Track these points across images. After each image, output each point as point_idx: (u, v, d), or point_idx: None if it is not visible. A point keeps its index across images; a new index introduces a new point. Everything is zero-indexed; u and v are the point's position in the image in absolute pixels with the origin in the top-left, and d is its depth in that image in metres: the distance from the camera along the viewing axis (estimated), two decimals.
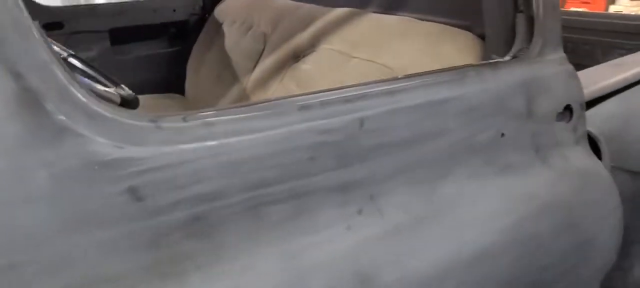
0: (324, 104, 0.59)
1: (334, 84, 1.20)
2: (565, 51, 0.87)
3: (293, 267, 0.55)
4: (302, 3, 1.59)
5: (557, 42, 0.85)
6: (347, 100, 0.60)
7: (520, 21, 0.84)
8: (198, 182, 0.50)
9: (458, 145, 0.71)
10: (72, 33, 1.82)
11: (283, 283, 0.55)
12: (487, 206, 0.73)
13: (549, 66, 0.83)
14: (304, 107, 0.57)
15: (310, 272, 0.56)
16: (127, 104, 0.90)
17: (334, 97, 0.60)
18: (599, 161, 0.91)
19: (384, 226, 0.62)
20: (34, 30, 0.42)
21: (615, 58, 1.26)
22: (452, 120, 0.70)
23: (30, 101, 0.41)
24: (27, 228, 0.41)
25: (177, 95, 1.97)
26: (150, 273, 0.48)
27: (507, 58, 0.83)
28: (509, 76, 0.78)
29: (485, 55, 0.94)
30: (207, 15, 2.02)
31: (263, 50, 1.60)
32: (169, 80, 2.03)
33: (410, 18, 1.25)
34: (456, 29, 1.12)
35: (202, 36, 1.95)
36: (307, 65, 1.37)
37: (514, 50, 0.84)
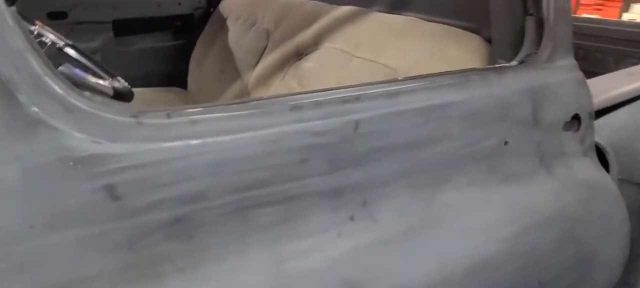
0: (317, 104, 0.56)
1: (336, 83, 1.18)
2: (576, 58, 0.83)
3: (279, 272, 0.53)
4: (306, 0, 1.56)
5: (568, 48, 0.82)
6: (342, 101, 0.58)
7: (530, 25, 0.81)
8: (181, 182, 0.47)
9: (459, 151, 0.68)
10: (76, 23, 1.81)
11: None
12: (487, 216, 0.70)
13: (558, 73, 0.80)
14: (297, 107, 0.55)
15: (297, 279, 0.54)
16: (121, 96, 0.89)
17: (327, 97, 0.57)
18: (606, 173, 0.88)
19: (376, 234, 0.60)
20: (7, 16, 0.39)
21: (628, 67, 1.22)
22: (454, 125, 0.67)
23: (2, 91, 0.39)
24: None
25: (179, 89, 1.95)
26: (128, 275, 0.46)
27: (514, 63, 0.79)
28: (515, 81, 0.75)
29: (492, 59, 0.90)
30: (212, 9, 2.01)
31: (266, 46, 1.58)
32: (172, 74, 2.02)
33: (415, 18, 1.22)
34: (462, 30, 1.09)
35: (206, 30, 1.94)
36: (309, 63, 1.35)
37: (521, 54, 0.81)
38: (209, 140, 0.49)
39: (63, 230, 0.42)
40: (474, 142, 0.69)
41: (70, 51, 0.93)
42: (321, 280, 0.55)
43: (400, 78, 0.68)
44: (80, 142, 0.42)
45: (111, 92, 0.83)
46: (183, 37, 2.05)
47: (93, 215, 0.43)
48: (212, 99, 1.70)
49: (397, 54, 1.12)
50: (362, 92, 0.59)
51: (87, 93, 0.78)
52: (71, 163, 0.41)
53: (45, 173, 0.41)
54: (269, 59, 1.53)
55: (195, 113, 0.49)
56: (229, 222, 0.51)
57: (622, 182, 0.91)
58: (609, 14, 3.96)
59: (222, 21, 1.87)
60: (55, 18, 1.73)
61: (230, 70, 1.70)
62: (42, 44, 0.89)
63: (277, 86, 1.43)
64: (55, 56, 0.85)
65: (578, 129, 0.82)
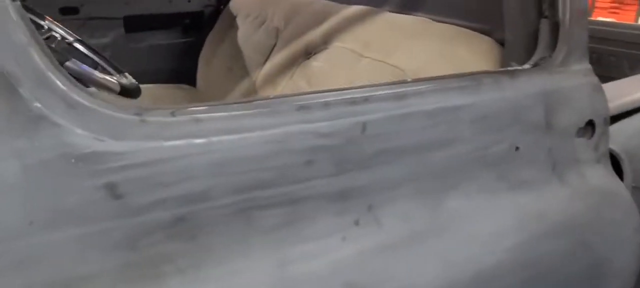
0: (324, 105, 0.55)
1: (344, 83, 1.16)
2: (591, 62, 0.81)
3: (282, 275, 0.52)
4: None
5: (583, 52, 0.79)
6: (349, 102, 0.56)
7: (544, 27, 0.79)
8: (184, 181, 0.47)
9: (468, 156, 0.66)
10: (87, 18, 1.82)
11: None
12: (495, 223, 0.68)
13: (572, 77, 0.78)
14: (303, 108, 0.54)
15: (300, 282, 0.53)
16: (128, 92, 0.89)
17: (335, 98, 0.56)
18: (620, 181, 0.85)
19: (381, 239, 0.58)
20: (11, 10, 0.39)
21: None
22: (464, 129, 0.65)
23: (3, 86, 0.38)
24: None
25: (188, 86, 1.96)
26: (128, 274, 0.45)
27: (527, 66, 0.77)
28: (528, 85, 0.73)
29: (504, 61, 0.88)
30: (222, 7, 2.01)
31: (275, 45, 1.58)
32: (181, 71, 2.02)
33: (426, 18, 1.20)
34: (474, 32, 1.07)
35: (215, 28, 1.94)
36: (318, 62, 1.34)
37: (535, 58, 0.79)
38: (214, 139, 0.48)
39: (63, 228, 0.41)
40: (484, 147, 0.67)
41: (79, 46, 0.93)
42: (325, 284, 0.54)
43: (409, 79, 0.66)
44: (82, 138, 0.42)
45: (118, 88, 0.83)
46: (193, 34, 2.05)
47: (94, 213, 0.43)
48: (220, 96, 1.70)
49: (406, 54, 1.11)
50: (370, 94, 0.58)
51: (93, 89, 0.78)
52: (73, 160, 0.41)
53: (47, 170, 0.40)
54: (277, 58, 1.52)
55: (199, 111, 0.49)
56: (232, 223, 0.50)
57: (636, 189, 0.88)
58: (624, 18, 3.88)
59: (232, 19, 1.86)
60: (67, 13, 1.75)
61: (238, 68, 1.70)
62: (52, 39, 0.89)
63: (285, 85, 1.42)
64: (64, 51, 0.86)
65: (592, 135, 0.80)
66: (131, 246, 0.45)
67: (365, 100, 0.58)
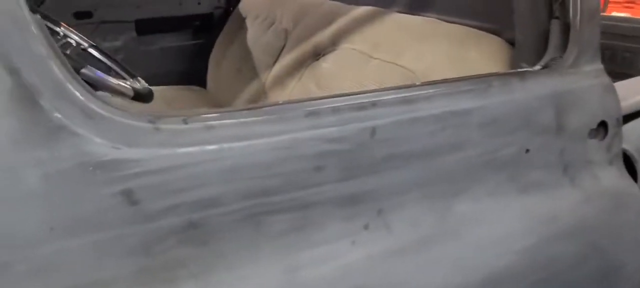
0: (332, 110, 0.55)
1: (353, 85, 1.17)
2: (603, 59, 0.80)
3: (293, 281, 0.53)
4: (325, 0, 1.56)
5: (594, 52, 0.78)
6: (358, 107, 0.57)
7: (555, 28, 0.78)
8: (196, 187, 0.48)
9: (478, 159, 0.66)
10: (100, 22, 1.85)
11: None
12: (505, 226, 0.68)
13: (584, 78, 0.77)
14: (312, 113, 0.54)
15: (310, 287, 0.54)
16: (141, 97, 0.90)
17: (344, 103, 0.56)
18: (634, 182, 0.84)
19: (391, 243, 0.59)
20: (33, 24, 0.40)
21: None
22: (473, 132, 0.65)
23: (25, 97, 0.40)
24: (17, 228, 0.41)
25: (198, 88, 1.98)
26: (142, 279, 0.46)
27: (537, 67, 0.77)
28: (538, 87, 0.72)
29: (514, 62, 0.88)
30: (231, 8, 2.02)
31: (284, 46, 1.58)
32: (192, 72, 2.05)
33: (435, 19, 1.20)
34: (484, 32, 1.06)
35: (225, 30, 1.95)
36: (326, 63, 1.34)
37: (545, 59, 0.78)
38: (225, 146, 0.49)
39: (82, 234, 0.43)
40: (494, 150, 0.67)
41: (94, 52, 0.95)
42: None
43: (418, 81, 0.66)
44: (100, 147, 0.43)
45: (132, 93, 0.85)
46: (203, 36, 2.08)
47: (111, 220, 0.44)
48: (230, 98, 1.71)
49: (415, 55, 1.11)
50: (378, 98, 0.58)
51: (107, 94, 0.80)
52: (91, 168, 0.42)
53: (66, 178, 0.42)
54: (286, 59, 1.53)
55: (211, 118, 0.50)
56: (243, 229, 0.51)
57: None
58: None
59: (241, 20, 1.88)
60: (80, 18, 1.78)
61: (247, 69, 1.71)
62: (67, 45, 0.91)
63: (294, 86, 1.43)
64: (79, 58, 0.88)
65: (604, 136, 0.79)
66: (146, 251, 0.46)
67: (374, 105, 0.58)
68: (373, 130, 0.57)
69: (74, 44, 0.93)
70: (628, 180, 0.83)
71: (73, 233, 0.43)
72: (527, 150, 0.70)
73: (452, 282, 0.62)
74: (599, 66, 0.80)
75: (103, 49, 1.01)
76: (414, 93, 0.62)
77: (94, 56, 0.97)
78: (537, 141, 0.71)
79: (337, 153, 0.55)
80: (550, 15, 0.79)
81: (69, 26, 0.98)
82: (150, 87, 0.97)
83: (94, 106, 0.44)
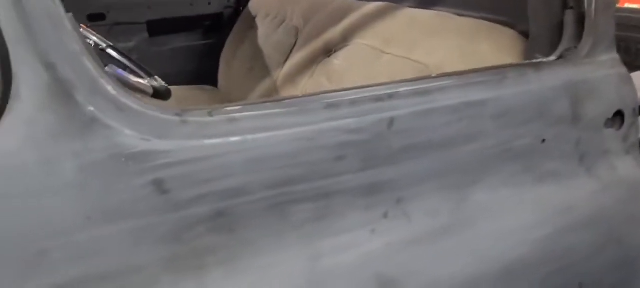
0: (351, 102, 0.57)
1: (365, 80, 1.17)
2: (617, 51, 0.80)
3: (315, 268, 0.54)
4: None
5: (610, 42, 0.78)
6: (376, 99, 0.58)
7: (569, 18, 0.78)
8: (222, 177, 0.49)
9: (494, 150, 0.67)
10: (113, 24, 1.88)
11: (305, 283, 0.54)
12: (522, 216, 0.69)
13: (599, 68, 0.77)
14: (331, 105, 0.55)
15: (331, 275, 0.55)
16: (160, 95, 0.92)
17: (362, 95, 0.57)
18: None
19: (410, 231, 0.60)
20: (66, 21, 0.42)
21: None
22: (489, 123, 0.66)
23: (61, 92, 0.42)
24: (56, 217, 0.42)
25: (210, 87, 2.00)
26: (172, 266, 0.48)
27: (552, 58, 0.77)
28: (553, 78, 0.73)
29: (528, 54, 0.88)
30: (241, 8, 2.04)
31: (295, 44, 1.60)
32: (203, 72, 2.07)
33: (447, 13, 1.20)
34: (496, 25, 1.06)
35: (235, 29, 1.97)
36: (338, 60, 1.35)
37: (560, 49, 0.78)
38: (248, 137, 0.51)
39: (116, 222, 0.45)
40: (510, 140, 0.68)
41: (113, 52, 0.97)
42: (356, 276, 0.56)
43: (433, 74, 0.67)
44: (131, 139, 0.45)
45: (151, 91, 0.87)
46: (213, 36, 2.10)
47: (143, 209, 0.46)
48: (242, 96, 1.73)
49: (428, 49, 1.11)
50: (396, 90, 0.59)
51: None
52: (123, 159, 0.44)
53: (100, 169, 0.44)
54: (297, 57, 1.54)
55: (235, 111, 0.51)
56: (268, 217, 0.52)
57: None
58: None
59: (252, 19, 1.89)
60: (94, 20, 1.81)
61: (259, 68, 1.73)
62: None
63: (306, 83, 1.44)
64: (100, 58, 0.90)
65: (621, 126, 0.79)
66: (176, 239, 0.48)
67: (391, 97, 0.59)
68: (391, 121, 0.58)
69: (93, 44, 0.96)
70: None
71: (108, 221, 0.44)
72: (543, 141, 0.71)
73: (470, 270, 0.62)
74: (615, 56, 0.79)
75: (121, 50, 1.03)
76: (430, 85, 0.63)
77: (111, 56, 0.99)
78: (553, 131, 0.71)
79: (357, 144, 0.56)
80: (565, 6, 0.79)
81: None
82: (168, 86, 0.99)
83: (125, 100, 0.45)
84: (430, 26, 1.18)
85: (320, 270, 0.54)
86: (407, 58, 1.13)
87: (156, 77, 1.00)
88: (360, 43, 1.31)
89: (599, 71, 0.77)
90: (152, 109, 0.47)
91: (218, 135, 0.49)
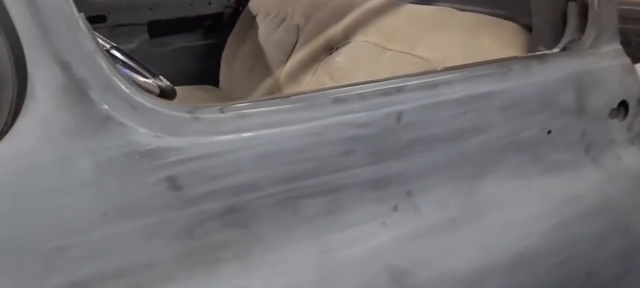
0: (359, 96, 0.57)
1: (368, 77, 1.18)
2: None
3: (326, 261, 0.55)
4: None
5: (613, 33, 0.79)
6: (384, 93, 0.58)
7: (572, 10, 0.79)
8: (234, 173, 0.50)
9: (501, 141, 0.67)
10: (114, 26, 1.89)
11: (316, 277, 0.54)
12: (530, 207, 0.69)
13: (603, 59, 0.78)
14: (339, 100, 0.56)
15: (343, 268, 0.56)
16: (165, 95, 0.93)
17: (370, 89, 0.58)
18: None
19: (420, 224, 0.60)
20: (80, 21, 0.43)
21: None
22: (495, 115, 0.66)
23: (76, 91, 0.42)
24: (74, 215, 0.43)
25: (211, 87, 2.00)
26: (186, 261, 0.49)
27: (556, 50, 0.78)
28: (558, 69, 0.73)
29: (532, 47, 0.88)
30: (241, 8, 2.04)
31: (296, 42, 1.60)
32: (204, 72, 2.07)
33: (448, 8, 1.20)
34: (498, 19, 1.06)
35: (236, 29, 1.98)
36: (340, 57, 1.36)
37: (564, 41, 0.79)
38: (259, 133, 0.51)
39: (132, 219, 0.45)
40: (516, 132, 0.68)
41: (117, 53, 0.98)
42: (367, 268, 0.57)
43: (439, 68, 0.68)
44: (144, 136, 0.45)
45: (157, 91, 0.87)
46: (214, 36, 2.10)
47: (157, 205, 0.46)
48: (244, 96, 1.73)
49: (430, 45, 1.12)
50: (404, 84, 0.60)
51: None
52: (137, 156, 0.45)
53: (115, 167, 0.44)
54: (299, 55, 1.54)
55: (245, 107, 0.52)
56: (279, 212, 0.53)
57: None
58: None
59: (252, 19, 1.90)
60: (95, 22, 1.81)
61: (260, 67, 1.73)
62: None
63: (309, 81, 1.45)
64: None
65: (625, 116, 0.79)
66: (190, 234, 0.48)
67: (399, 90, 0.59)
68: (399, 115, 0.59)
69: None
70: None
71: (124, 218, 0.45)
72: (549, 132, 0.71)
73: (479, 261, 0.63)
74: (618, 47, 0.80)
75: (125, 51, 1.03)
76: (437, 78, 0.63)
77: (116, 57, 1.00)
78: (559, 122, 0.72)
79: (365, 138, 0.57)
80: None
81: None
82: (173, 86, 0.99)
83: (138, 98, 0.46)
84: (431, 21, 1.19)
85: (331, 263, 0.55)
86: (410, 54, 1.14)
87: (161, 77, 1.01)
88: (362, 40, 1.31)
89: (603, 62, 0.78)
90: (164, 107, 0.47)
91: (229, 132, 0.50)
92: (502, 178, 0.67)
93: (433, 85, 0.62)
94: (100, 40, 0.99)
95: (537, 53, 0.78)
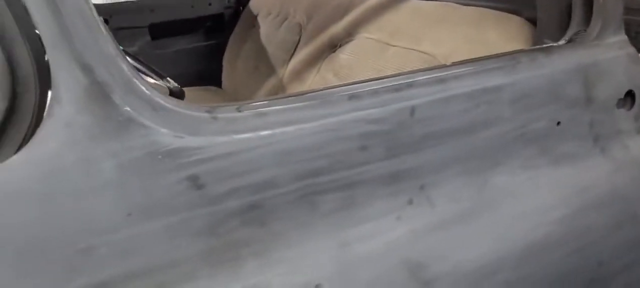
0: (373, 93, 0.58)
1: (373, 73, 1.19)
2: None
3: (344, 256, 0.56)
4: None
5: (618, 24, 0.80)
6: (396, 88, 0.59)
7: (577, 2, 0.79)
8: (253, 171, 0.50)
9: (511, 134, 0.68)
10: (117, 29, 1.89)
11: (334, 272, 0.55)
12: (541, 198, 0.70)
13: (609, 50, 0.78)
14: (354, 97, 0.57)
15: (360, 262, 0.56)
16: (175, 95, 0.93)
17: (383, 85, 0.59)
18: None
19: (434, 217, 0.61)
20: (101, 25, 0.43)
21: None
22: (505, 108, 0.67)
23: (99, 94, 0.43)
24: (99, 215, 0.44)
25: (214, 88, 2.01)
26: (209, 259, 0.49)
27: (562, 42, 0.78)
28: (565, 61, 0.74)
29: (537, 39, 0.89)
30: (241, 8, 2.04)
31: (299, 41, 1.60)
32: (207, 73, 2.08)
33: (451, 3, 1.21)
34: (502, 12, 1.07)
35: (237, 29, 1.98)
36: (344, 54, 1.36)
37: (569, 33, 0.79)
38: (276, 131, 0.52)
39: (156, 218, 0.46)
40: (526, 124, 0.69)
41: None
42: (384, 261, 0.57)
43: (448, 63, 0.68)
44: (166, 137, 0.46)
45: (167, 92, 0.88)
46: (215, 37, 2.10)
47: (179, 204, 0.47)
48: (248, 95, 1.74)
49: (435, 40, 1.12)
50: (415, 79, 0.60)
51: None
52: (159, 156, 0.45)
53: (138, 167, 0.45)
54: (302, 53, 1.55)
55: (262, 106, 0.52)
56: (298, 208, 0.53)
57: None
58: None
59: (253, 18, 1.90)
60: None
61: (263, 66, 1.74)
62: None
63: (313, 79, 1.45)
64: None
65: (632, 106, 0.80)
66: (211, 232, 0.49)
67: (410, 86, 0.60)
68: (412, 110, 0.59)
69: None
70: None
71: (147, 217, 0.45)
72: (558, 123, 0.72)
73: (492, 252, 0.64)
74: (623, 37, 0.81)
75: (131, 53, 1.04)
76: (446, 73, 0.64)
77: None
78: (567, 114, 0.73)
79: (380, 134, 0.57)
80: None
81: None
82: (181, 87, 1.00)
83: (159, 99, 0.46)
84: (435, 16, 1.19)
85: (349, 257, 0.56)
86: (414, 49, 1.15)
87: (168, 78, 1.01)
88: (365, 36, 1.32)
89: (609, 53, 0.78)
90: (184, 107, 0.48)
91: (247, 130, 0.50)
92: (513, 170, 0.68)
93: (443, 80, 0.63)
94: None
95: (544, 46, 0.78)
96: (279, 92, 1.59)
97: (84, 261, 0.43)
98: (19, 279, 0.41)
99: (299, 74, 1.54)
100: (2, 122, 0.43)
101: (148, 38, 1.95)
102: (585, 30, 0.79)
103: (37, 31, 0.42)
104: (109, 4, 2.05)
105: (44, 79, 0.43)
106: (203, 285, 0.48)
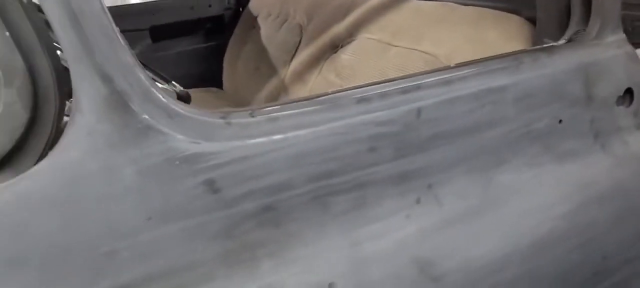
0: (380, 95, 0.59)
1: (375, 73, 1.20)
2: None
3: (357, 255, 0.57)
4: None
5: (616, 22, 0.82)
6: (403, 91, 0.61)
7: (576, 2, 0.81)
8: (267, 174, 0.52)
9: (515, 133, 0.70)
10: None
11: (347, 270, 0.56)
12: (545, 194, 0.72)
13: (608, 49, 0.80)
14: (362, 100, 0.58)
15: (372, 260, 0.58)
16: (182, 99, 0.94)
17: (390, 88, 0.60)
18: None
19: (442, 215, 0.63)
20: (119, 35, 0.44)
21: None
22: (509, 107, 0.69)
23: (118, 103, 0.44)
24: (120, 220, 0.45)
25: (216, 89, 2.02)
26: (226, 261, 0.51)
27: (562, 41, 0.80)
28: (565, 61, 0.76)
29: (536, 39, 0.91)
30: (241, 9, 2.05)
31: (299, 41, 1.61)
32: (207, 75, 2.08)
33: (451, 3, 1.22)
34: (502, 12, 1.09)
35: (237, 30, 1.98)
36: (346, 55, 1.37)
37: (569, 33, 0.81)
38: (288, 134, 0.53)
39: (174, 222, 0.47)
40: (529, 123, 0.71)
41: None
42: (394, 260, 0.59)
43: (443, 65, 0.70)
44: (183, 143, 0.47)
45: (175, 96, 0.89)
46: (215, 38, 2.11)
47: (197, 208, 0.48)
48: (249, 97, 1.75)
49: (436, 40, 1.14)
50: (422, 81, 0.62)
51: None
52: (177, 162, 0.47)
53: (156, 173, 0.46)
54: (303, 54, 1.56)
55: (274, 111, 0.54)
56: (311, 210, 0.55)
57: None
58: None
59: (253, 20, 1.91)
60: None
61: (264, 68, 1.74)
62: None
63: (315, 80, 1.46)
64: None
65: (631, 103, 0.82)
66: (228, 235, 0.50)
67: (417, 88, 0.62)
68: (418, 111, 0.61)
69: None
70: None
71: (167, 221, 0.47)
72: (560, 121, 0.74)
73: (499, 248, 0.66)
74: (622, 36, 0.83)
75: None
76: (451, 74, 0.65)
77: None
78: (569, 112, 0.75)
79: (388, 135, 0.59)
80: None
81: None
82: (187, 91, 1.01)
83: (175, 106, 0.48)
84: (436, 16, 1.21)
85: (361, 256, 0.57)
86: (416, 49, 1.16)
87: (174, 82, 1.02)
88: (367, 37, 1.33)
89: (608, 52, 0.80)
90: (199, 113, 0.49)
91: (260, 135, 0.52)
92: (518, 168, 0.70)
93: (448, 82, 0.64)
94: None
95: (545, 45, 0.80)
96: (281, 93, 1.60)
97: (107, 264, 0.45)
98: (45, 284, 0.43)
99: (300, 74, 1.55)
100: (25, 132, 0.44)
101: (149, 41, 1.96)
102: (584, 30, 0.80)
103: (57, 44, 0.43)
104: (109, 7, 2.04)
105: (63, 89, 0.44)
106: (220, 286, 0.50)
